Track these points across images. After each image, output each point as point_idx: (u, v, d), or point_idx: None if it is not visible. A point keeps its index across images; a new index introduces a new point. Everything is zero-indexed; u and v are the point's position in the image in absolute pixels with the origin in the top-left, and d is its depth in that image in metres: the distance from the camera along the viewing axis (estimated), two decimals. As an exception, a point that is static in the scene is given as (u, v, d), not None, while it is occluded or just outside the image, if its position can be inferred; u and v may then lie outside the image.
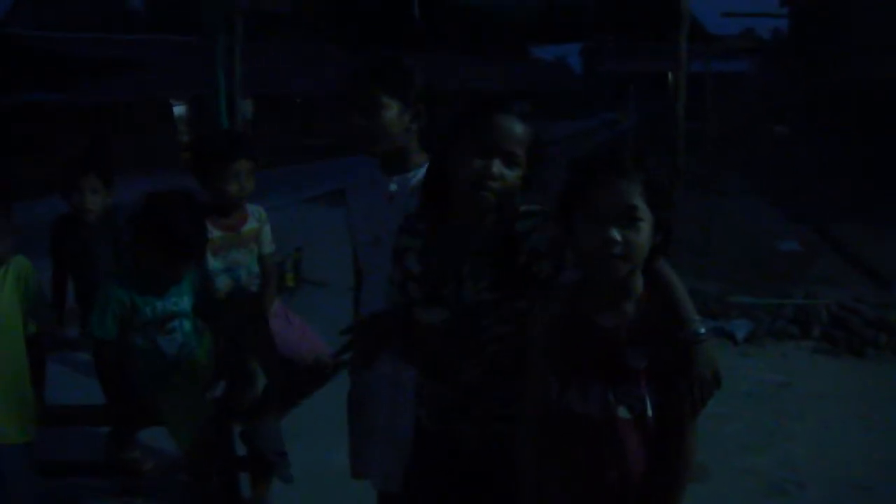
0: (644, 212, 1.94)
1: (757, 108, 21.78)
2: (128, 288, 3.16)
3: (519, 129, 2.17)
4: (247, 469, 3.89)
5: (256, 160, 3.67)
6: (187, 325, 3.28)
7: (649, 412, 2.02)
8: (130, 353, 3.25)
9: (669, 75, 8.96)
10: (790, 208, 12.41)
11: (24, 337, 3.14)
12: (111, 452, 4.19)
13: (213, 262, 3.57)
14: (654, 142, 14.51)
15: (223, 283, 3.62)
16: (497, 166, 2.13)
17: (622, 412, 2.02)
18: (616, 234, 1.92)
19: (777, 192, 13.87)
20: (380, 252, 2.77)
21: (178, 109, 23.56)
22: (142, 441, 4.24)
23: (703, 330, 2.02)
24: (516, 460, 2.20)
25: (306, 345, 3.87)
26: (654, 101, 21.12)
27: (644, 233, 1.94)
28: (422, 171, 2.77)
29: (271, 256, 3.89)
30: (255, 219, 3.78)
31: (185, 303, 3.25)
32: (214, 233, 3.53)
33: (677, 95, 9.05)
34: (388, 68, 2.77)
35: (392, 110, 2.73)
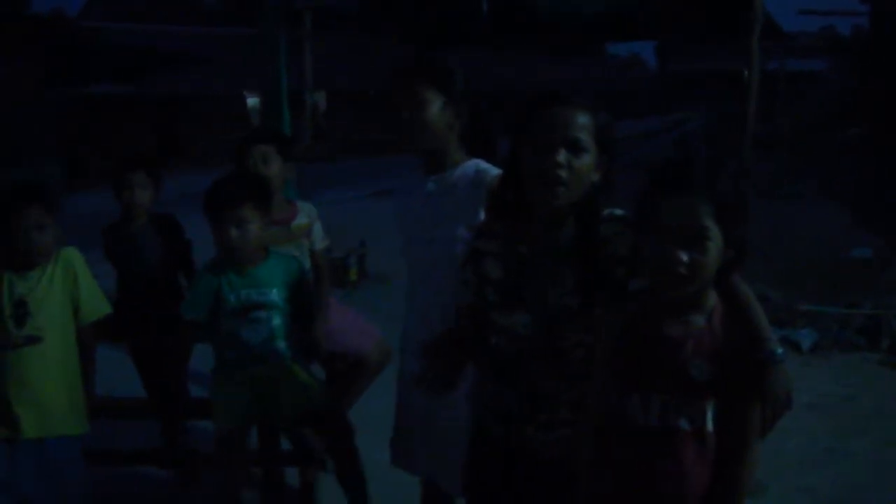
0: (713, 231, 1.91)
1: (832, 108, 21.24)
2: (217, 274, 3.24)
3: (580, 116, 2.14)
4: (295, 463, 3.94)
5: (281, 145, 3.80)
6: (277, 318, 3.28)
7: (709, 426, 2.00)
8: (217, 337, 3.30)
9: (745, 73, 8.76)
10: (863, 214, 12.08)
11: (77, 328, 3.22)
12: (166, 443, 4.28)
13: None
14: (725, 142, 14.25)
15: None
16: (562, 155, 2.10)
17: (682, 424, 2.00)
18: (682, 255, 1.90)
19: (850, 196, 13.52)
20: (419, 252, 2.83)
21: (252, 101, 23.87)
22: (196, 428, 4.32)
23: (780, 351, 2.01)
24: (574, 465, 2.19)
25: (359, 337, 3.92)
26: (728, 99, 20.78)
27: (711, 253, 1.92)
28: (459, 170, 2.80)
29: (323, 252, 3.94)
30: (305, 215, 3.84)
31: (274, 294, 3.26)
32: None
33: (748, 96, 8.88)
34: (431, 64, 2.81)
35: (435, 105, 2.75)
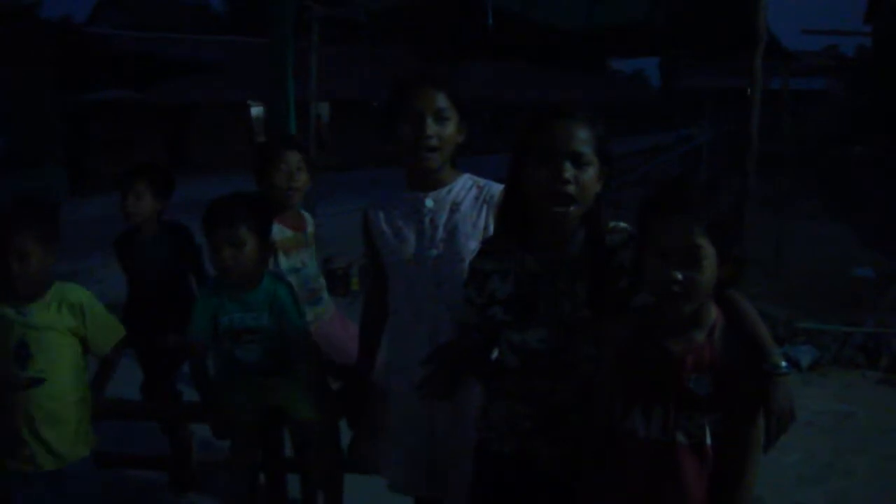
0: (707, 250, 1.93)
1: (837, 127, 21.27)
2: (214, 296, 3.20)
3: (581, 130, 2.17)
4: (296, 470, 3.96)
5: (306, 155, 3.73)
6: (270, 342, 3.22)
7: (708, 440, 2.03)
8: (214, 353, 3.30)
9: (748, 91, 8.78)
10: (866, 233, 12.08)
11: (100, 363, 3.21)
12: (171, 449, 4.30)
13: (285, 262, 3.64)
14: (729, 159, 14.25)
15: (293, 283, 3.66)
16: (568, 169, 2.13)
17: (682, 438, 2.03)
18: (677, 274, 1.93)
19: (854, 215, 13.52)
20: (418, 269, 2.76)
21: (256, 111, 23.96)
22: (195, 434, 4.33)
23: (784, 364, 2.03)
24: (581, 478, 2.22)
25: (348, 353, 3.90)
26: (732, 117, 20.83)
27: (706, 272, 1.95)
28: (457, 186, 2.77)
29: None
30: (311, 224, 3.86)
31: (265, 319, 3.19)
32: (287, 232, 3.62)
33: (751, 114, 8.89)
34: (448, 78, 2.72)
35: (454, 119, 2.69)
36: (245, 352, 3.21)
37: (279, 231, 3.54)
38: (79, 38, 18.76)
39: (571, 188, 2.14)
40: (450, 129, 2.68)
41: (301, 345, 3.27)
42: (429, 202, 2.76)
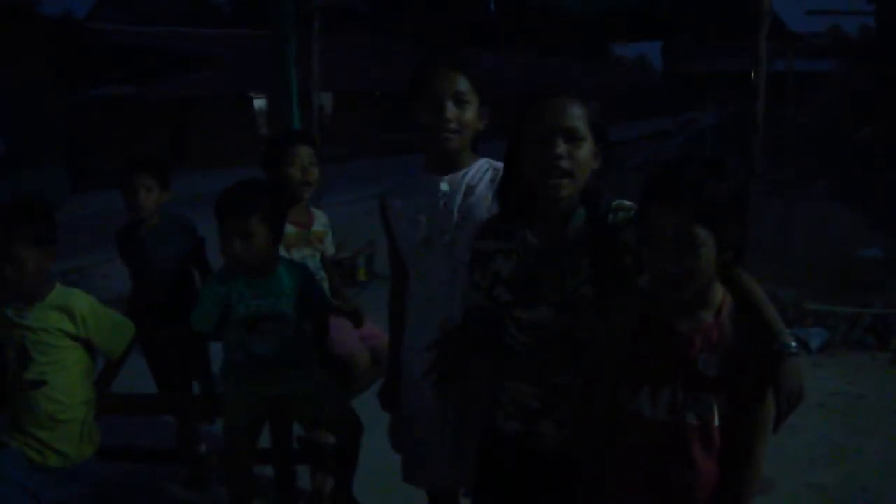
0: (703, 237, 1.91)
1: (842, 109, 21.18)
2: (227, 284, 3.16)
3: (573, 106, 2.18)
4: (305, 462, 3.95)
5: (317, 149, 3.80)
6: (287, 330, 3.21)
7: (716, 421, 2.02)
8: (226, 343, 3.28)
9: (752, 74, 8.75)
10: (874, 214, 12.03)
11: (107, 361, 3.21)
12: (180, 443, 4.30)
13: (286, 257, 3.61)
14: (734, 142, 14.19)
15: None
16: (560, 145, 2.14)
17: (690, 418, 2.02)
18: (671, 263, 1.93)
19: (861, 196, 13.47)
20: (431, 253, 2.72)
21: (259, 103, 23.94)
22: (207, 431, 4.32)
23: (794, 343, 2.02)
24: (581, 462, 2.21)
25: (352, 343, 3.89)
26: (736, 100, 20.77)
27: (703, 258, 1.93)
28: (472, 170, 2.72)
29: (332, 258, 4.03)
30: (321, 223, 3.89)
31: (284, 305, 3.18)
32: (288, 228, 3.57)
33: (756, 96, 8.86)
34: (469, 62, 2.67)
35: (475, 104, 2.64)
36: (260, 342, 3.19)
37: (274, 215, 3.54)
38: (79, 35, 18.74)
39: (565, 163, 2.15)
40: (469, 113, 2.63)
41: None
42: (444, 186, 2.72)
